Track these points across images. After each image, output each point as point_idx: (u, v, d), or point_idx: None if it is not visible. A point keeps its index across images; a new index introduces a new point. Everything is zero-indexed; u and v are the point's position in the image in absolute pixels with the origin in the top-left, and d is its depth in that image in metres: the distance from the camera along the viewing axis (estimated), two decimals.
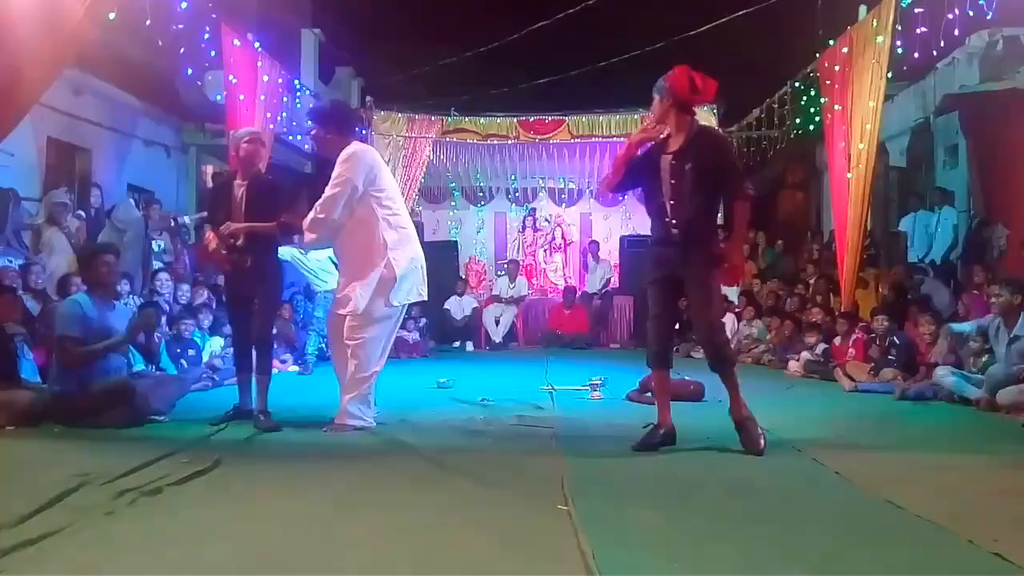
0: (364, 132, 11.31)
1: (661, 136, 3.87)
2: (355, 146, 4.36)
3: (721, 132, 3.96)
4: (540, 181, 13.37)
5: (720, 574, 2.17)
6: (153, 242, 8.20)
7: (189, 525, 2.61)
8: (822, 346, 7.48)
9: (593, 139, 11.78)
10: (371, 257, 4.27)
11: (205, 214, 6.75)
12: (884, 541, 2.49)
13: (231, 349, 6.89)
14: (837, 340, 7.32)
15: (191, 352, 6.46)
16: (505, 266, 12.41)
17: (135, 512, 2.73)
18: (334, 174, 4.24)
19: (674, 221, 3.79)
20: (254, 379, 4.53)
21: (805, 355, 7.55)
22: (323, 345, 6.98)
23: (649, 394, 5.56)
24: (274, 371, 4.81)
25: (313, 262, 7.12)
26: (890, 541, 2.48)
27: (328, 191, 4.23)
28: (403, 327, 10.05)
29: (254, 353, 4.62)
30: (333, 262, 6.11)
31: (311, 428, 4.32)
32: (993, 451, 3.94)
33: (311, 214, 4.26)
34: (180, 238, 8.89)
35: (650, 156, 3.88)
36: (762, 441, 3.71)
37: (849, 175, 7.42)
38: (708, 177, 3.78)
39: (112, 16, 5.39)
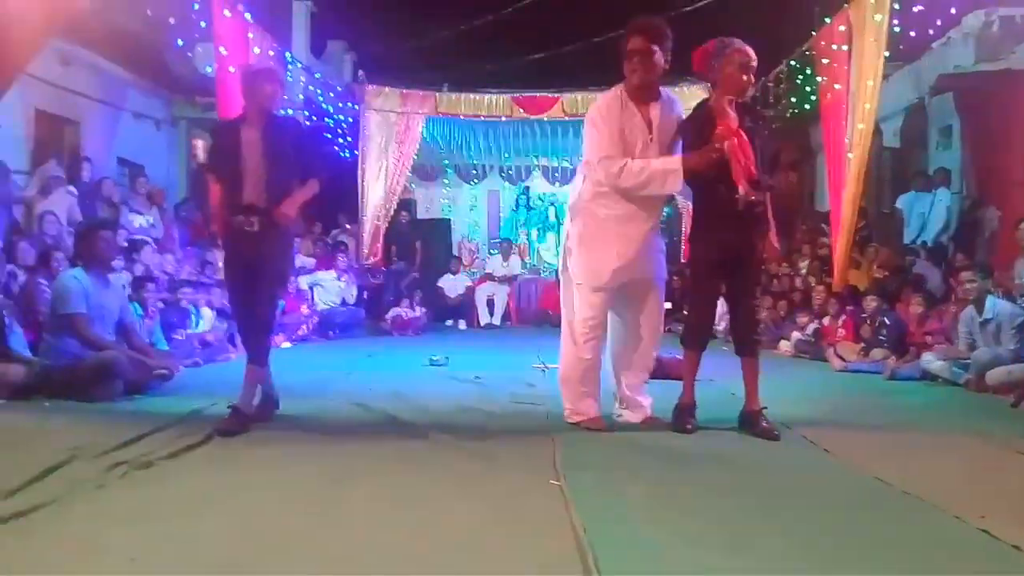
0: (356, 107, 11.23)
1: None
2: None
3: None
4: (534, 159, 13.30)
5: (709, 547, 2.19)
6: (139, 216, 8.13)
7: (180, 498, 2.61)
8: (813, 326, 7.51)
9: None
10: None
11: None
12: (872, 517, 2.51)
13: (223, 324, 6.90)
14: (827, 320, 7.35)
15: (188, 328, 6.43)
16: (499, 245, 12.39)
17: (126, 484, 2.73)
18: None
19: (744, 199, 3.60)
20: (246, 369, 3.83)
21: (796, 335, 7.58)
22: None
23: None
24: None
25: None
26: (878, 517, 2.50)
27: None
28: (397, 304, 10.13)
29: (252, 338, 3.92)
30: None
31: (303, 402, 4.30)
32: (980, 430, 3.97)
33: None
34: (168, 212, 8.83)
35: (704, 129, 3.65)
36: (775, 431, 3.67)
37: (850, 155, 7.40)
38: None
39: None
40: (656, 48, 3.68)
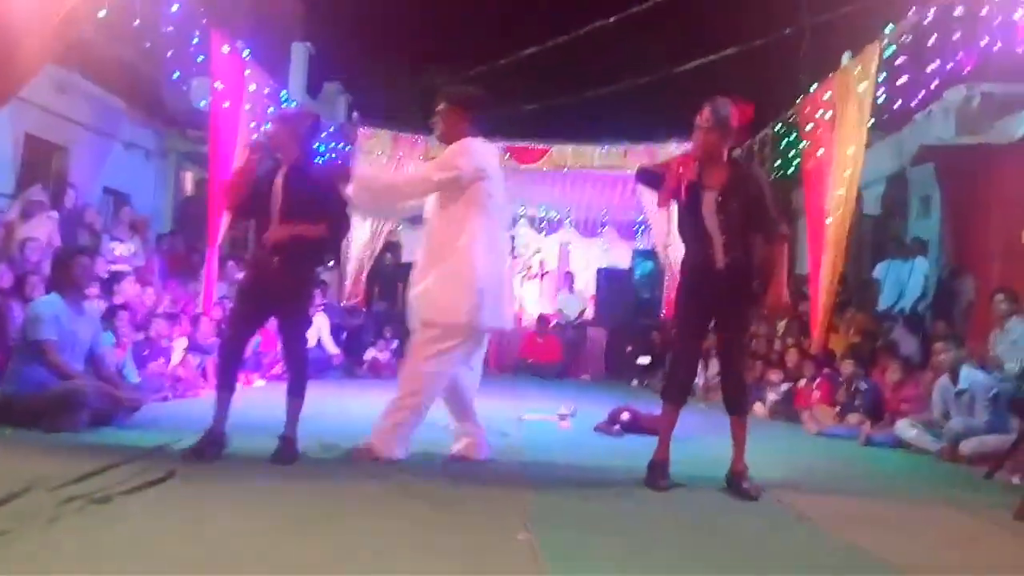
0: (348, 148, 11.31)
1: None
2: (477, 142, 4.15)
3: (758, 169, 4.06)
4: (521, 208, 13.40)
5: None
6: (120, 244, 8.08)
7: (134, 537, 2.53)
8: (785, 385, 7.50)
9: (576, 170, 11.85)
10: (462, 262, 3.95)
11: None
12: None
13: (196, 358, 6.78)
14: (802, 383, 7.35)
15: (161, 360, 6.32)
16: None
17: (80, 520, 2.64)
18: (441, 158, 4.09)
19: (724, 258, 3.72)
20: (288, 402, 4.02)
21: (771, 396, 7.57)
22: None
23: (617, 427, 5.55)
24: (240, 385, 4.49)
25: None
26: None
27: (429, 171, 4.12)
28: (375, 346, 10.03)
29: (289, 373, 4.16)
30: None
31: (271, 442, 4.20)
32: (954, 499, 3.96)
33: (397, 177, 4.13)
34: (150, 243, 8.78)
35: (687, 186, 3.74)
36: (753, 493, 3.65)
37: (828, 220, 7.51)
38: (751, 214, 3.75)
39: (102, 13, 5.33)
40: (449, 107, 4.17)
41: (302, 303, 4.14)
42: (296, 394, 4.04)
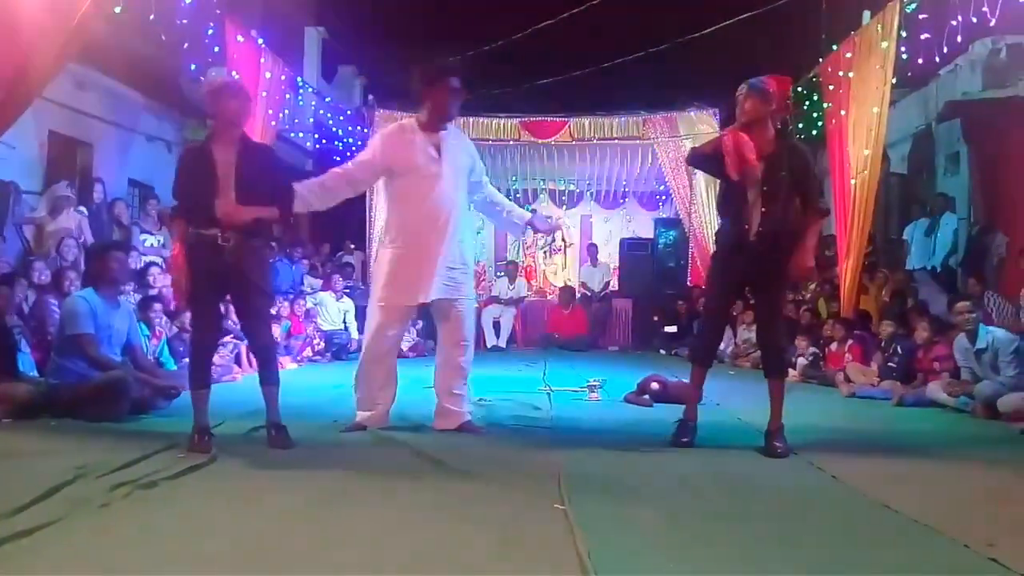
0: (366, 131, 11.33)
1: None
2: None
3: (805, 146, 4.09)
4: (541, 183, 13.38)
5: (716, 574, 2.17)
6: (150, 236, 8.20)
7: (184, 519, 2.60)
8: (811, 350, 7.46)
9: (595, 142, 11.79)
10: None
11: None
12: (880, 544, 2.49)
13: (229, 344, 6.89)
14: (833, 346, 7.31)
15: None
16: (505, 267, 12.41)
17: (130, 505, 2.73)
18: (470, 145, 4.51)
19: (759, 228, 3.78)
20: (263, 391, 3.86)
21: (800, 361, 7.54)
22: None
23: (647, 396, 5.57)
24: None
25: None
26: (886, 544, 2.48)
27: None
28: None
29: (258, 361, 4.01)
30: None
31: (306, 425, 4.29)
32: (990, 457, 3.94)
33: None
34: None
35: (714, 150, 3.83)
36: (779, 450, 3.76)
37: (853, 181, 7.42)
38: (794, 187, 3.82)
39: (118, 10, 5.38)
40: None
41: (262, 281, 3.86)
42: (270, 382, 3.85)
